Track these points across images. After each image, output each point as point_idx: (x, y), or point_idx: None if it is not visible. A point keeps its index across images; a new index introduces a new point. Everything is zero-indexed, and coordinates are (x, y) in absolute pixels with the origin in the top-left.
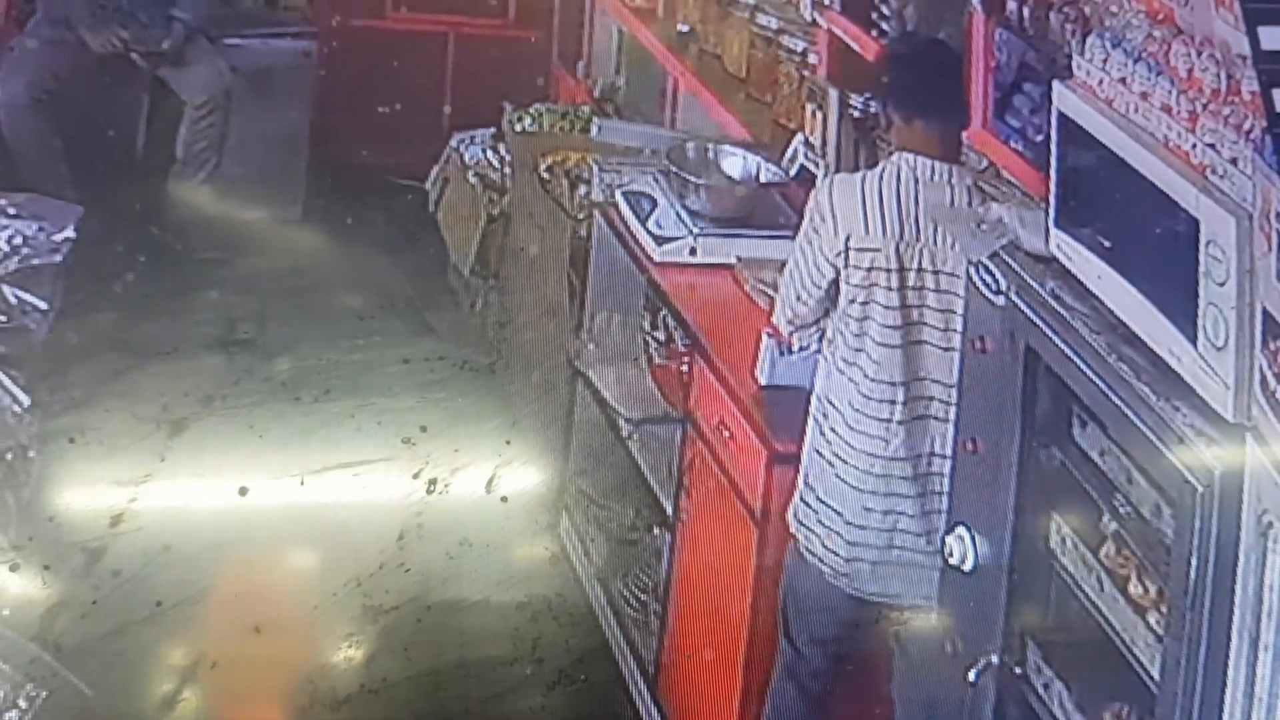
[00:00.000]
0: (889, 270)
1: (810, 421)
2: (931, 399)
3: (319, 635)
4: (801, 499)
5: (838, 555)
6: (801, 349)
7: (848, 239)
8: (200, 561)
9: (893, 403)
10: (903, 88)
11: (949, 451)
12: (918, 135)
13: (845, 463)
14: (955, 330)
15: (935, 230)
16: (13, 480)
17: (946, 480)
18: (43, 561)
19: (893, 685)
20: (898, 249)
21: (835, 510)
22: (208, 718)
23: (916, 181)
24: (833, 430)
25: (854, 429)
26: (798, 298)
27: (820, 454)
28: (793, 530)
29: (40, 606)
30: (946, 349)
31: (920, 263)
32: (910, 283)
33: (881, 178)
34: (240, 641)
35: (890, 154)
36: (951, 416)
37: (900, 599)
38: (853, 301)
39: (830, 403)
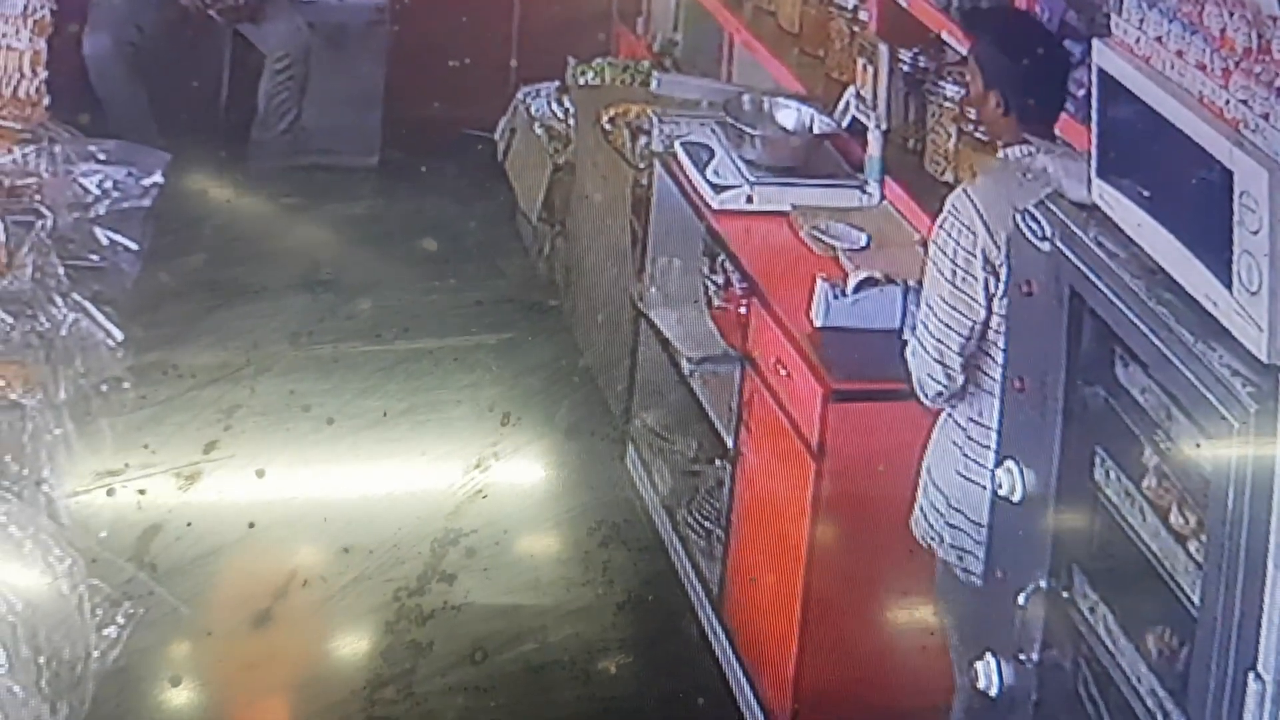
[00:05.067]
0: None
1: (945, 442)
2: None
3: (403, 556)
4: (935, 510)
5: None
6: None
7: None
8: (291, 486)
9: None
10: (1012, 90)
11: None
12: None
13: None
14: None
15: None
16: (108, 409)
17: None
18: (138, 487)
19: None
20: None
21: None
22: (300, 634)
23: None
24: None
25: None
26: (950, 346)
27: (963, 476)
28: (934, 547)
29: (136, 529)
30: None
31: None
32: None
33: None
34: (329, 561)
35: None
36: None
37: None
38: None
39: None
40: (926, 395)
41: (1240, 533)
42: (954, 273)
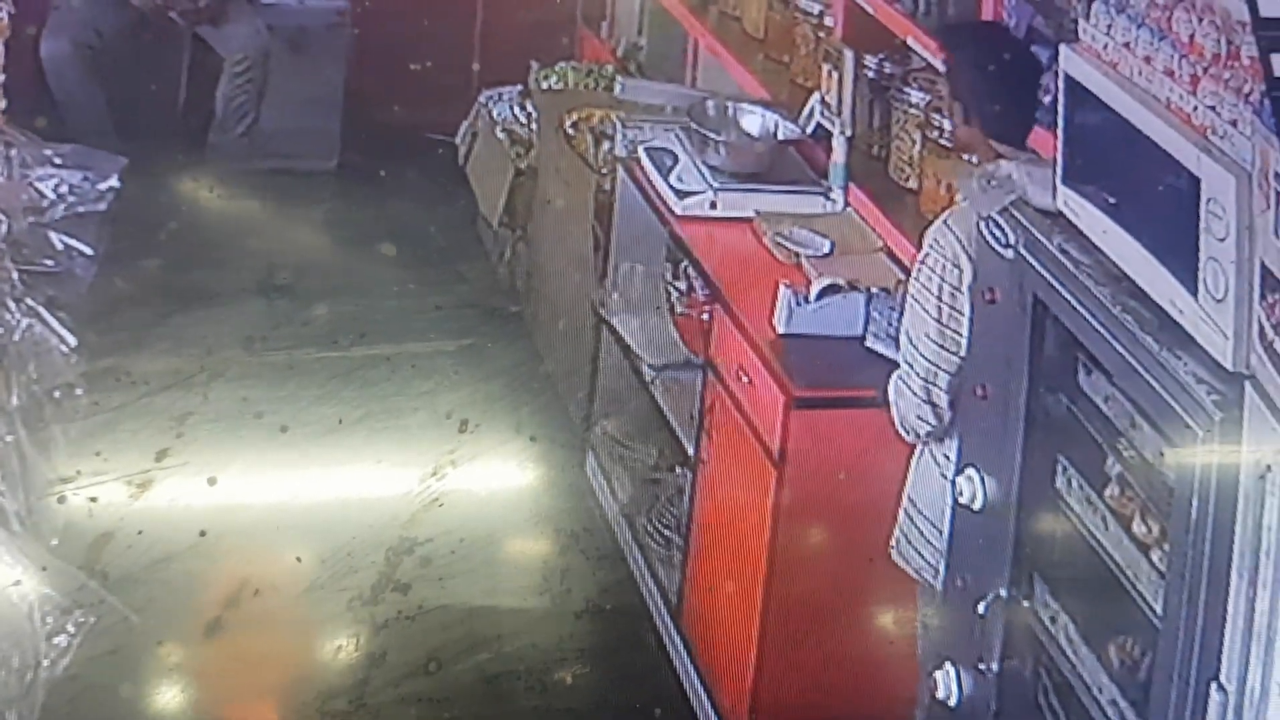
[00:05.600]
0: None
1: (931, 475)
2: None
3: (357, 565)
4: (926, 542)
5: None
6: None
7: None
8: (243, 494)
9: None
10: (989, 112)
11: None
12: (993, 151)
13: None
14: None
15: None
16: (61, 416)
17: None
18: (90, 494)
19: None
20: None
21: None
22: (251, 643)
23: None
24: None
25: None
26: (939, 385)
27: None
28: (926, 577)
29: (88, 536)
30: None
31: None
32: None
33: None
34: (282, 570)
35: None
36: None
37: None
38: None
39: None
40: (915, 435)
41: (1204, 542)
42: (939, 309)
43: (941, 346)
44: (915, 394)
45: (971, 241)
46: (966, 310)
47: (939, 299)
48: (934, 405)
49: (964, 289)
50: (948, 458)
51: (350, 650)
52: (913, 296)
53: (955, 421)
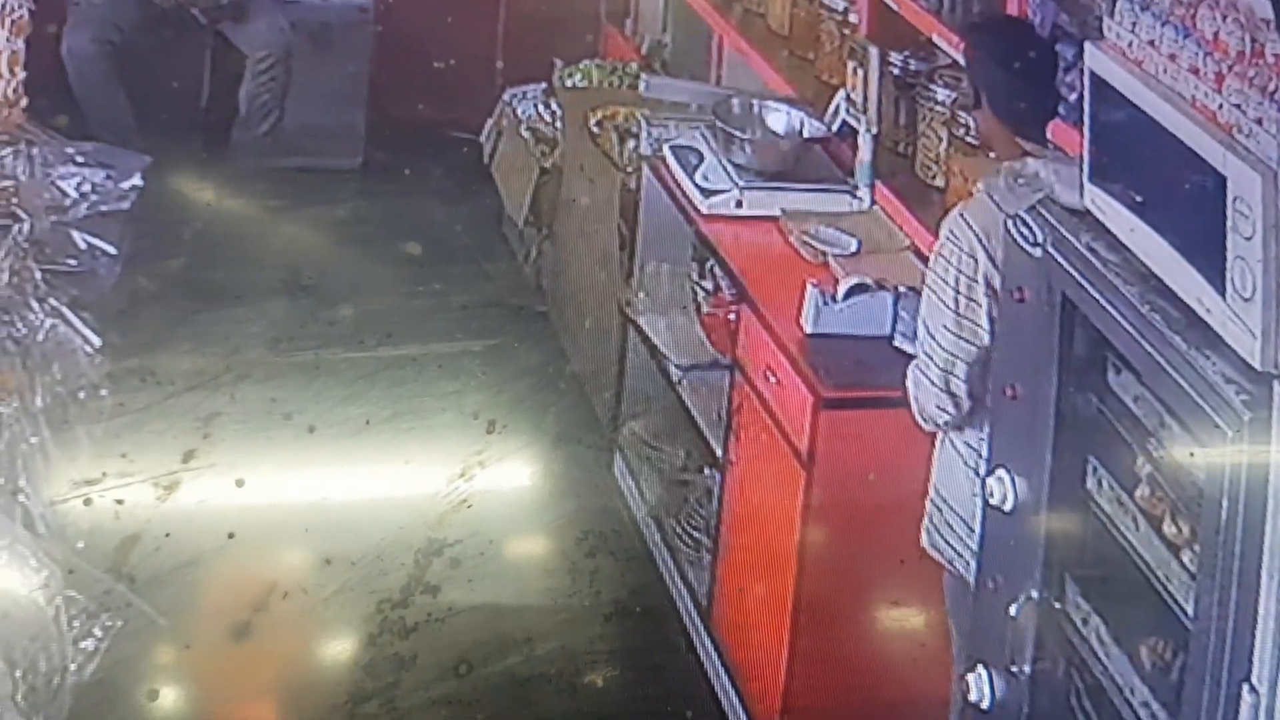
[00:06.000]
0: None
1: (954, 465)
2: None
3: (386, 567)
4: (951, 530)
5: None
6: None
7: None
8: (271, 495)
9: None
10: (1009, 111)
11: None
12: (1017, 147)
13: None
14: None
15: None
16: (86, 417)
17: None
18: (116, 496)
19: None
20: None
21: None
22: (279, 646)
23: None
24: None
25: None
26: (958, 375)
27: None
28: (954, 564)
29: (114, 539)
30: None
31: None
32: None
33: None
34: (311, 572)
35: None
36: None
37: None
38: None
39: None
40: (934, 424)
41: (1234, 542)
42: (956, 300)
43: (959, 337)
44: (934, 384)
45: (986, 233)
46: (984, 301)
47: (956, 290)
48: (953, 395)
49: (980, 279)
50: (969, 446)
51: (380, 653)
52: (929, 288)
53: (975, 411)
